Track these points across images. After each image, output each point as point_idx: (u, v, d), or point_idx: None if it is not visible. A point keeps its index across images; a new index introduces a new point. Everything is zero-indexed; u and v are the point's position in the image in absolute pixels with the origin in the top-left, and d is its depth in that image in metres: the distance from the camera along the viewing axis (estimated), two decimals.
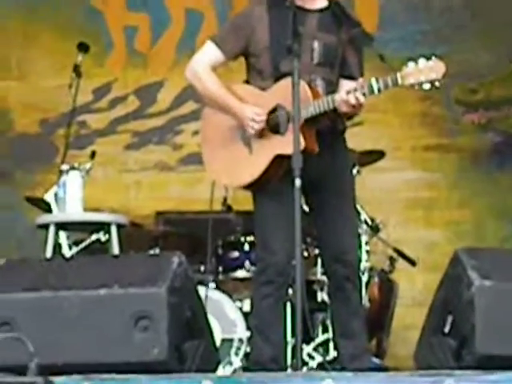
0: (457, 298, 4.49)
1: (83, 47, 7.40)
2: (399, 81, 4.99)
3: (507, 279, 4.49)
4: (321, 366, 6.45)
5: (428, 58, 4.94)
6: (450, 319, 4.57)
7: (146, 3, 9.19)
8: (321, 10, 5.34)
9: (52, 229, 6.66)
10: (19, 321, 4.44)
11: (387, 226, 7.47)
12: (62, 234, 6.84)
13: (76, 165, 6.78)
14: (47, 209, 6.78)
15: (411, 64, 4.98)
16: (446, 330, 4.58)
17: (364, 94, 5.06)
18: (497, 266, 4.58)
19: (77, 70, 7.26)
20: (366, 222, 7.09)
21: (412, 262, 7.37)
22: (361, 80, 5.10)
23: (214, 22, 8.85)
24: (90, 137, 8.92)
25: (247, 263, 6.87)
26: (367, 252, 7.06)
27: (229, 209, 7.38)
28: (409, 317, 7.29)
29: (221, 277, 6.95)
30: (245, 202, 5.75)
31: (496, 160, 8.97)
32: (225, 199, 7.39)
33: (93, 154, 7.15)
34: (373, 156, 7.39)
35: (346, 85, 5.17)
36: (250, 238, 6.79)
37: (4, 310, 4.55)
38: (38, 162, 8.75)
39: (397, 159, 8.48)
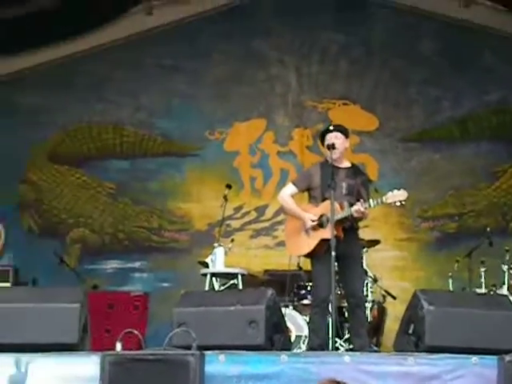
0: (415, 315, 4.35)
1: (229, 186, 7.43)
2: (384, 201, 4.95)
3: (444, 306, 4.35)
4: (346, 351, 6.21)
5: (399, 189, 4.95)
6: (412, 326, 4.43)
7: (261, 165, 9.15)
8: (347, 168, 5.31)
9: (208, 276, 6.66)
10: (189, 322, 4.38)
11: (381, 279, 7.24)
12: (214, 280, 6.79)
13: (222, 244, 6.83)
14: (207, 266, 6.76)
15: (390, 192, 4.95)
16: (410, 331, 4.44)
17: (366, 208, 5.02)
18: (438, 298, 4.45)
19: (225, 197, 7.28)
20: (370, 276, 6.90)
21: (394, 298, 7.11)
22: (363, 200, 5.05)
23: (294, 172, 8.74)
24: (231, 232, 8.82)
25: (309, 296, 6.69)
26: (371, 292, 6.89)
27: (300, 268, 7.22)
28: (393, 325, 6.99)
29: (295, 303, 6.81)
30: (308, 264, 5.64)
31: None
32: (298, 263, 7.23)
33: (232, 240, 7.23)
34: (373, 243, 7.20)
35: (358, 202, 5.09)
36: (310, 284, 6.61)
37: (183, 317, 4.51)
38: (206, 244, 8.57)
39: (385, 245, 8.22)
